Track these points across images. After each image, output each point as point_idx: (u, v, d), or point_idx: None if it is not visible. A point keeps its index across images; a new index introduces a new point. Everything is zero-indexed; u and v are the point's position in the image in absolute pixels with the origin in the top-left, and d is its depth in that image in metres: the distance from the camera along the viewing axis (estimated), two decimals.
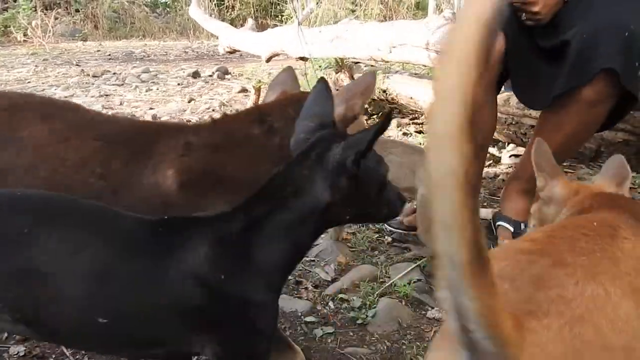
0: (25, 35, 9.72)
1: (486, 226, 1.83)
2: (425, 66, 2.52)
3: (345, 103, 1.08)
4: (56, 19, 10.87)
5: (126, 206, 0.93)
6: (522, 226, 1.63)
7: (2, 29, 10.30)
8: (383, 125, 0.79)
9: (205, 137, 1.09)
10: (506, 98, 2.25)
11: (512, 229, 1.63)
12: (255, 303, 0.82)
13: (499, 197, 2.14)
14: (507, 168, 2.47)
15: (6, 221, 0.82)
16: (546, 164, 1.10)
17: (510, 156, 2.49)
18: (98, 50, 8.95)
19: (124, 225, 0.86)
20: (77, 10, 12.79)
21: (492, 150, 2.63)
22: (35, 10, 10.34)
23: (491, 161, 2.54)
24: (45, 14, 10.31)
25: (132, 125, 1.21)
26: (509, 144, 2.55)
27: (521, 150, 2.50)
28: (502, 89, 1.72)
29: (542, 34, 1.51)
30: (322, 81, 1.00)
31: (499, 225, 1.67)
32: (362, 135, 0.81)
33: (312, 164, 0.84)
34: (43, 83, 5.32)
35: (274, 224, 0.83)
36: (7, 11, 10.82)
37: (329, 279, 1.52)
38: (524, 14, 1.48)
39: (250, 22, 5.09)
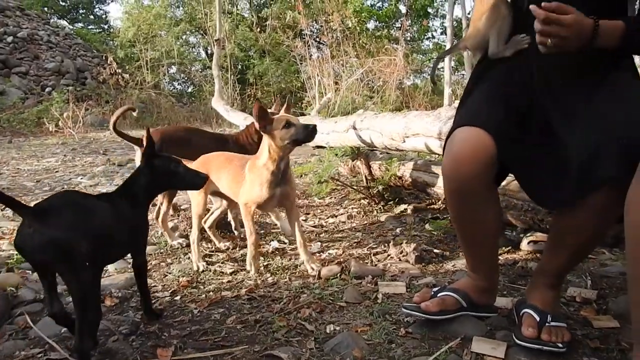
0: (56, 126, 10.21)
1: (505, 315, 1.79)
2: (439, 155, 2.57)
3: None
4: (87, 109, 11.42)
5: None
6: (549, 318, 1.59)
7: (36, 120, 10.86)
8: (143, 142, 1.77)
9: None
10: None
11: (538, 318, 1.59)
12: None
13: (518, 284, 2.10)
14: (526, 254, 2.43)
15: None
16: None
17: (528, 242, 2.46)
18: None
19: None
20: (107, 102, 13.48)
21: (510, 235, 2.61)
22: (68, 102, 10.91)
23: (510, 247, 2.51)
24: (76, 106, 10.87)
25: None
26: (526, 230, 2.53)
27: (539, 235, 2.48)
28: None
29: (538, 138, 1.54)
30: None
31: (524, 312, 1.63)
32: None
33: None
34: (70, 172, 5.52)
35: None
36: (42, 104, 11.46)
37: None
38: (549, 40, 1.39)
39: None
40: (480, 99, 1.65)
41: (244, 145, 2.96)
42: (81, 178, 5.14)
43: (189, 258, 2.59)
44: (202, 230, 2.74)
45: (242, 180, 2.40)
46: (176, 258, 2.62)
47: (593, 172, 1.36)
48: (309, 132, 2.25)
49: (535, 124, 1.58)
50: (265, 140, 2.30)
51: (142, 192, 1.76)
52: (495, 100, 1.61)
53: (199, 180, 1.89)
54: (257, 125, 2.27)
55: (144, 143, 1.76)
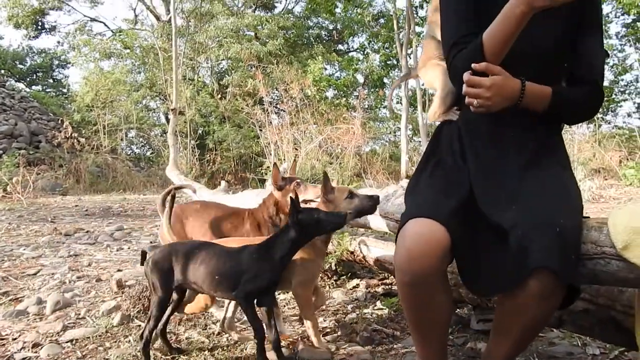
0: (4, 190, 9.85)
1: None
2: (386, 233, 2.57)
3: None
4: (38, 174, 11.11)
5: None
6: None
7: None
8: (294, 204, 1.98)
9: None
10: None
11: None
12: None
13: None
14: (475, 334, 2.41)
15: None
16: None
17: (478, 322, 2.44)
18: (76, 205, 9.03)
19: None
20: (60, 166, 13.17)
21: (461, 312, 2.59)
22: (19, 166, 10.59)
23: (460, 325, 2.49)
24: (27, 170, 10.55)
25: None
26: (475, 307, 2.53)
27: (488, 314, 2.47)
28: None
29: (479, 225, 1.56)
30: None
31: None
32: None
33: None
34: (12, 242, 5.26)
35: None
36: None
37: None
38: (476, 101, 1.47)
39: (223, 184, 5.25)
40: (432, 187, 1.65)
41: (259, 221, 2.81)
42: (24, 249, 4.88)
43: (128, 342, 2.45)
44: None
45: None
46: (115, 342, 2.47)
47: (528, 260, 1.38)
48: (373, 203, 2.26)
49: (476, 210, 1.60)
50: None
51: (290, 244, 1.98)
52: (447, 189, 1.62)
53: (340, 220, 2.02)
54: (316, 195, 2.46)
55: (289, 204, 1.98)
